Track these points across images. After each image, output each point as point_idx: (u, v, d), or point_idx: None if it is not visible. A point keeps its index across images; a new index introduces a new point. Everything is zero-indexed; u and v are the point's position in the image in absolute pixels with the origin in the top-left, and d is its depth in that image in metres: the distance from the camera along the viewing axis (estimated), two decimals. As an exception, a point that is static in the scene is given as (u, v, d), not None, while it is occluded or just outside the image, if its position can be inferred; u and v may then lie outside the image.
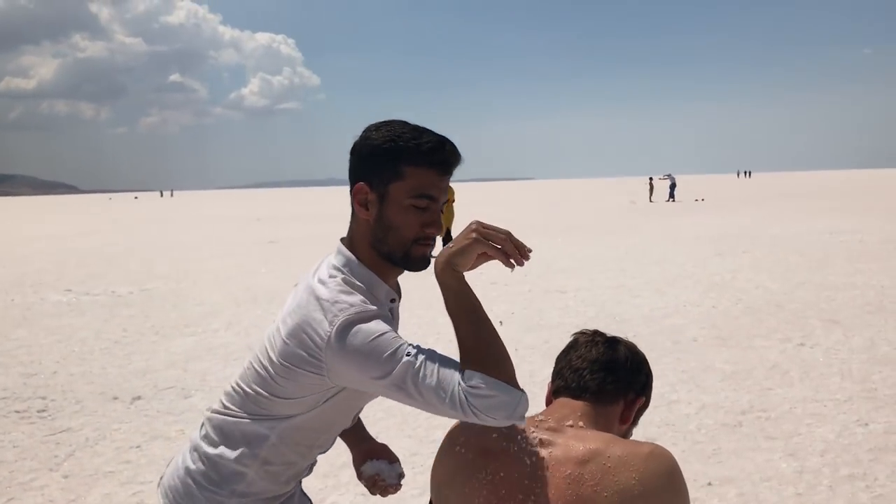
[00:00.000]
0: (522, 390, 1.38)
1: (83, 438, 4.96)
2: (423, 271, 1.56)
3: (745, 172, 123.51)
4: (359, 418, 1.84)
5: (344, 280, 1.50)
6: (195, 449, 1.63)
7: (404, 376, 1.36)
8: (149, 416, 5.38)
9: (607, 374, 1.52)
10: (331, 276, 1.51)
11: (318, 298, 1.46)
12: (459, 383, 1.34)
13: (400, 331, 1.47)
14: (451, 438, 1.50)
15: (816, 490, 3.85)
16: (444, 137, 1.50)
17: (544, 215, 30.96)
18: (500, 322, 8.12)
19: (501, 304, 9.42)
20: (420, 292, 10.80)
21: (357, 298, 1.45)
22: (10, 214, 54.60)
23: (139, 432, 5.05)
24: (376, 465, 1.73)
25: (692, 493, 1.42)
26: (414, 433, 4.75)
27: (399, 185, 1.48)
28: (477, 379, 1.34)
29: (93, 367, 6.84)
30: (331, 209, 42.33)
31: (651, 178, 45.31)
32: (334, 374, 1.43)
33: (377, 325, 1.41)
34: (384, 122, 1.52)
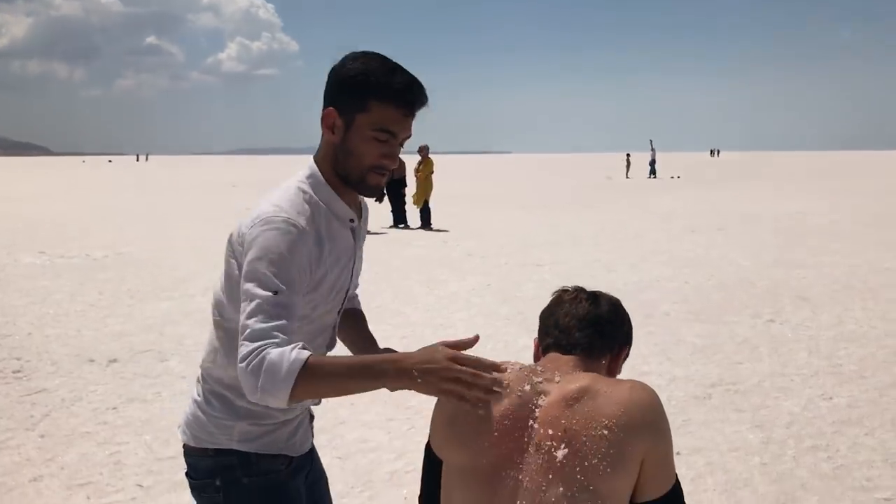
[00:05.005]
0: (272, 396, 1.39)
1: (59, 399, 4.97)
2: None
3: (715, 151, 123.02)
4: (377, 347, 1.88)
5: (301, 191, 1.60)
6: (199, 380, 1.72)
7: (251, 300, 1.44)
8: (125, 379, 5.39)
9: (594, 331, 1.61)
10: (290, 186, 1.61)
11: (269, 197, 1.59)
12: (259, 344, 1.39)
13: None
14: None
15: (781, 460, 3.97)
16: (413, 80, 1.58)
17: (521, 189, 31.03)
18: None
19: (478, 276, 9.49)
20: (399, 261, 10.86)
21: (301, 210, 1.55)
22: (-21, 175, 53.60)
23: (115, 394, 5.06)
24: None
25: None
26: (390, 398, 4.80)
27: (364, 116, 1.57)
28: (268, 358, 1.37)
29: (68, 330, 6.82)
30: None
31: (628, 155, 45.43)
32: (244, 259, 1.52)
33: (291, 244, 1.49)
34: (363, 53, 1.61)
